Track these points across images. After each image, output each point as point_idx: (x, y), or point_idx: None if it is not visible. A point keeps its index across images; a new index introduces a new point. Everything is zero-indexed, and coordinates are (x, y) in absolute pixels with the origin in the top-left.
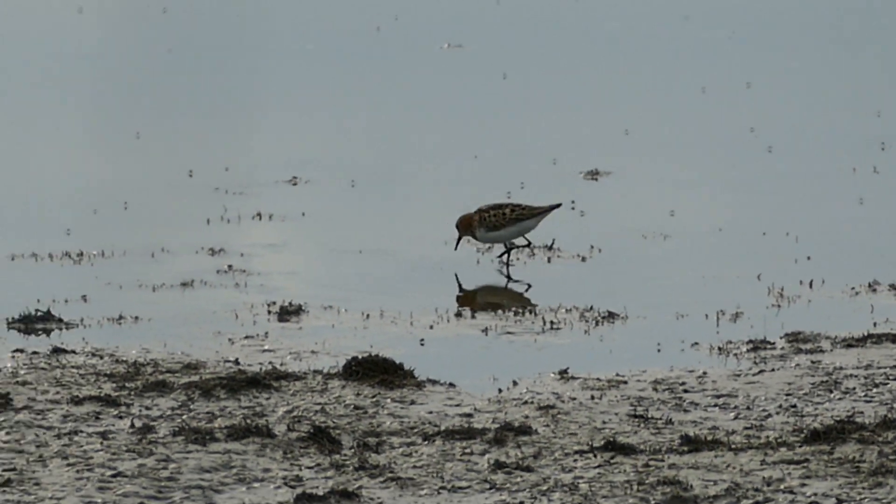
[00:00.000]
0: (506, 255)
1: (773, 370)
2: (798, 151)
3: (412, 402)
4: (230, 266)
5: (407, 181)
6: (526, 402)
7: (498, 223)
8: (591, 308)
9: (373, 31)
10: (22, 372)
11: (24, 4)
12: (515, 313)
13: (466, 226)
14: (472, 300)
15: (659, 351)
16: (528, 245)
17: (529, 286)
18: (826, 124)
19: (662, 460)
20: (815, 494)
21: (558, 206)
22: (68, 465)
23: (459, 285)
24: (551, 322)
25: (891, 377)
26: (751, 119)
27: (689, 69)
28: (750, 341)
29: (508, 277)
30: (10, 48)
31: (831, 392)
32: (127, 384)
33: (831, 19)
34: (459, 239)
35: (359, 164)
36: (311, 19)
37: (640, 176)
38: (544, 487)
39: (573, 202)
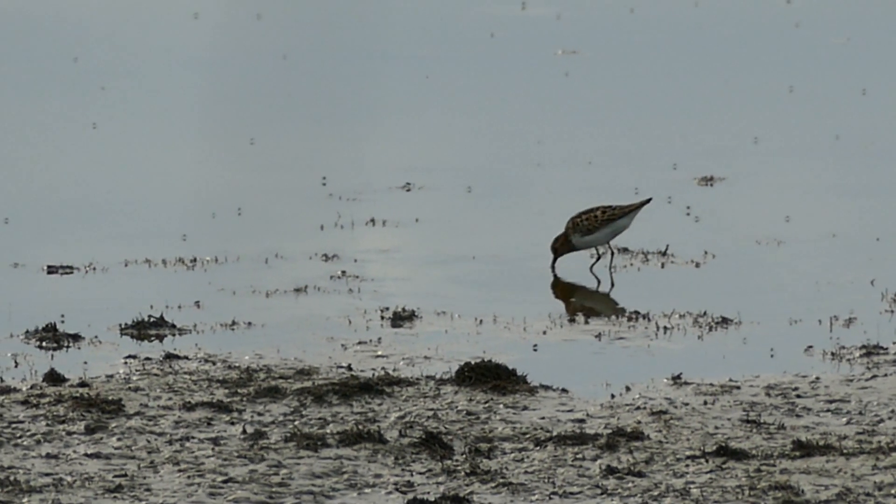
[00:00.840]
0: (610, 259)
1: (885, 375)
2: None
3: (525, 408)
4: (343, 272)
5: (522, 187)
6: (638, 408)
7: (591, 226)
8: (705, 313)
9: (487, 37)
10: (134, 378)
11: (140, 10)
12: (629, 319)
13: (563, 240)
14: (581, 304)
15: (772, 356)
16: (600, 257)
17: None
18: None
19: (774, 465)
20: None
21: (649, 200)
22: (179, 470)
23: (554, 274)
24: (665, 327)
25: None
26: (863, 125)
27: (802, 75)
28: (863, 346)
29: (604, 281)
30: (127, 54)
31: None
32: (239, 390)
33: None
34: (556, 259)
35: (473, 170)
36: (424, 25)
37: (754, 181)
38: (656, 493)
39: (688, 208)
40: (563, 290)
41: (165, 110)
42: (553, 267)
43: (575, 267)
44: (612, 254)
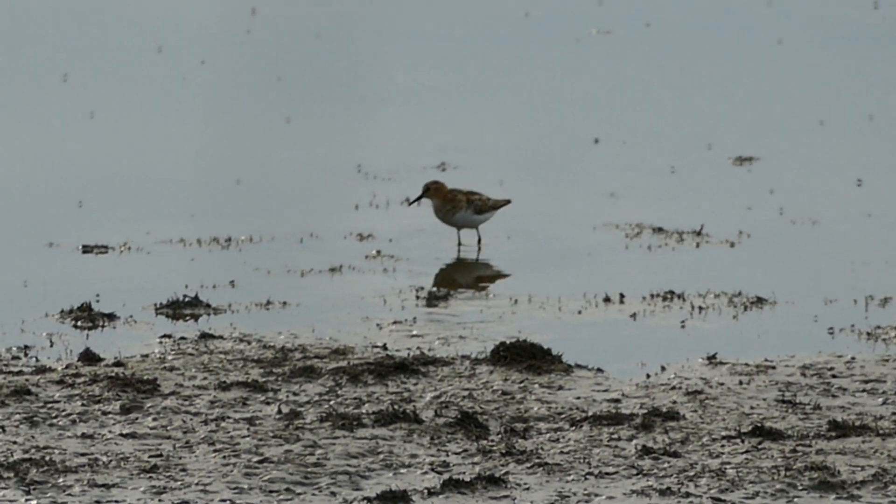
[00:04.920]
0: (477, 241)
1: None
2: None
3: (560, 388)
4: (378, 251)
5: (556, 167)
6: (674, 388)
7: (483, 208)
8: (740, 293)
9: (521, 17)
10: (170, 357)
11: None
12: (664, 298)
13: (445, 198)
14: (612, 284)
15: (807, 336)
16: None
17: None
18: None
19: (810, 446)
20: None
21: (508, 202)
22: (215, 450)
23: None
24: (700, 307)
25: None
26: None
27: (835, 55)
28: None
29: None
30: (174, 31)
31: None
32: (274, 370)
33: None
34: (421, 198)
35: (508, 149)
36: (459, 4)
37: (789, 161)
38: (691, 473)
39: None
40: (600, 270)
41: (201, 89)
42: (410, 202)
43: (609, 243)
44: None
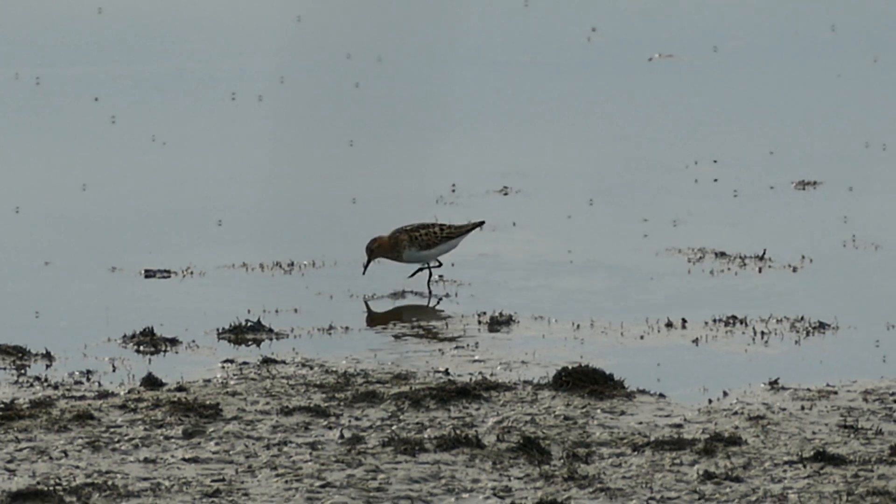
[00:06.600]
0: (427, 273)
1: None
2: None
3: (622, 413)
4: (441, 276)
5: (617, 191)
6: (736, 413)
7: (430, 242)
8: (802, 318)
9: (584, 42)
10: (232, 382)
11: (244, 13)
12: (726, 324)
13: (391, 247)
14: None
15: (869, 361)
16: (440, 265)
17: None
18: None
19: (872, 471)
20: None
21: (482, 223)
22: (277, 475)
23: (368, 308)
24: (762, 332)
25: None
26: None
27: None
28: None
29: (430, 293)
30: (224, 58)
31: None
32: (337, 395)
33: None
34: (370, 262)
35: (570, 174)
36: (522, 29)
37: (852, 186)
38: (753, 498)
39: (785, 211)
40: (659, 294)
41: (263, 113)
42: (365, 270)
43: (671, 269)
44: (423, 269)
